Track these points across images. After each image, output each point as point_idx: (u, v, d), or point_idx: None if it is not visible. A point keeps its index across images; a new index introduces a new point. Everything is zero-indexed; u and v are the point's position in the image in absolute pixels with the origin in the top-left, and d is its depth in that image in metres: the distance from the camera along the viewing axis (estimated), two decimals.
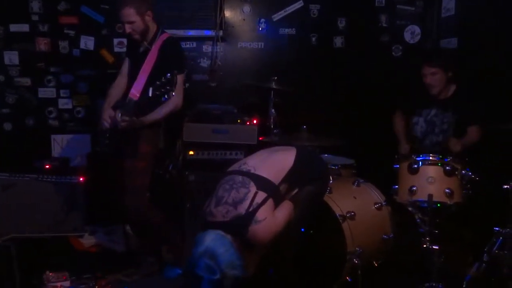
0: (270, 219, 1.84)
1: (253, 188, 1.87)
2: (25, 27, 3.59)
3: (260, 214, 1.82)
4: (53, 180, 2.94)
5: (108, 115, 2.52)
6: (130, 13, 2.48)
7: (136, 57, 2.66)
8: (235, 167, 2.07)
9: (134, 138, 2.56)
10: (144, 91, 2.39)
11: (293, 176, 2.02)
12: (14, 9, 3.56)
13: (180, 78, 2.42)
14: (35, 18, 3.60)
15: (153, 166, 2.70)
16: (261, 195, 1.86)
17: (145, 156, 2.60)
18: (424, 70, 2.86)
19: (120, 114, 2.38)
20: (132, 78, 2.60)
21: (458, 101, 2.86)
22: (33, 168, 3.19)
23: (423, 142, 3.00)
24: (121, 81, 2.75)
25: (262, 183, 1.90)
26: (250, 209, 1.82)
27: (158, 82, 2.20)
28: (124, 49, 3.26)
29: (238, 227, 1.80)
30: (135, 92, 2.45)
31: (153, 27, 2.62)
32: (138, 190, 2.57)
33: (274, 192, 1.92)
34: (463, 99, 2.87)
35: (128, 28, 2.52)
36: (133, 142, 2.56)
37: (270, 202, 1.87)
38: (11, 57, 3.62)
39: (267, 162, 2.05)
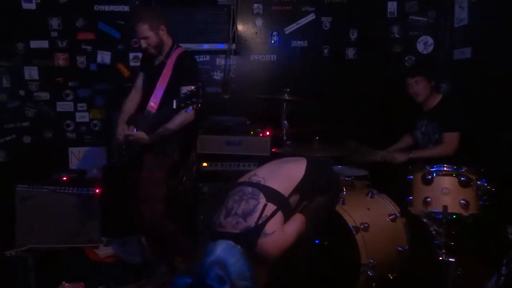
0: (279, 232, 1.84)
1: (262, 200, 1.88)
2: (44, 43, 3.71)
3: (269, 227, 1.82)
4: (70, 191, 3.00)
5: (122, 129, 2.58)
6: (144, 29, 2.56)
7: (152, 70, 2.71)
8: (245, 178, 2.08)
9: (149, 150, 2.60)
10: (162, 103, 2.46)
11: (303, 187, 2.02)
12: (34, 26, 3.68)
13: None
14: (54, 34, 3.72)
15: (167, 177, 2.74)
16: (271, 207, 1.86)
17: (161, 167, 2.64)
18: (408, 80, 3.06)
19: (135, 129, 2.44)
20: (148, 91, 2.65)
21: (441, 110, 2.99)
22: (51, 180, 3.26)
23: None
24: (135, 95, 2.82)
25: (271, 195, 1.90)
26: (259, 222, 1.82)
27: (182, 94, 2.27)
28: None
29: (248, 239, 1.80)
30: (153, 105, 2.52)
31: (168, 41, 2.68)
32: (153, 200, 2.60)
33: (284, 204, 1.92)
34: (445, 107, 2.99)
35: (143, 43, 2.60)
36: (148, 154, 2.60)
37: (279, 214, 1.87)
38: (31, 72, 3.74)
39: (277, 173, 2.05)
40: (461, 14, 3.50)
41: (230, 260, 1.70)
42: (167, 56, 2.65)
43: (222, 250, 1.73)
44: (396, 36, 3.80)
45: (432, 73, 3.09)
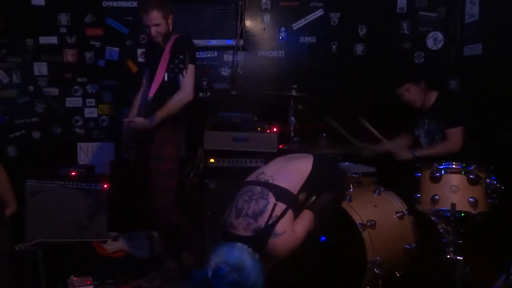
0: (290, 232, 1.84)
1: (272, 199, 1.88)
2: (53, 39, 3.73)
3: (280, 227, 1.82)
4: (78, 186, 3.02)
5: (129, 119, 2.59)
6: (156, 16, 2.56)
7: (154, 60, 2.70)
8: (253, 177, 2.08)
9: (158, 141, 2.61)
10: (160, 88, 2.49)
11: (311, 184, 2.01)
12: (43, 23, 3.71)
13: (191, 68, 2.49)
14: (63, 30, 3.73)
15: (178, 168, 2.74)
16: (281, 207, 1.86)
17: (170, 158, 2.65)
18: (398, 91, 3.06)
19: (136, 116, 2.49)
20: (151, 79, 2.64)
21: (440, 106, 2.95)
22: (59, 175, 3.29)
23: None
24: (144, 89, 2.82)
25: (281, 193, 1.90)
26: (270, 222, 1.82)
27: (171, 65, 2.32)
28: None
29: (259, 240, 1.81)
30: (152, 91, 2.52)
31: (172, 30, 2.69)
32: (165, 191, 2.62)
33: (293, 202, 1.91)
34: (443, 103, 2.96)
35: (153, 31, 2.59)
36: (157, 145, 2.62)
37: (289, 213, 1.87)
38: (40, 68, 3.76)
39: (284, 171, 2.05)
40: (472, 10, 3.46)
41: (247, 268, 1.70)
42: (165, 42, 2.64)
43: (241, 255, 1.73)
44: (406, 32, 3.76)
45: (417, 74, 3.05)
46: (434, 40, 3.76)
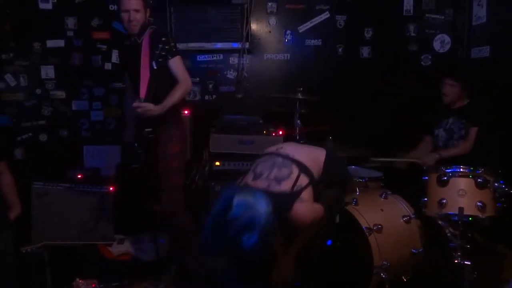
0: (312, 203, 1.80)
1: (296, 170, 1.82)
2: (60, 43, 3.76)
3: (305, 195, 1.76)
4: (84, 189, 3.03)
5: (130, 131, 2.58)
6: (137, 3, 2.52)
7: (132, 61, 2.61)
8: (272, 149, 2.00)
9: (163, 141, 2.60)
10: (149, 87, 2.42)
11: (321, 176, 1.95)
12: (51, 26, 3.73)
13: (177, 59, 2.53)
14: (70, 34, 3.76)
15: (186, 166, 2.73)
16: (304, 179, 1.80)
17: (177, 155, 2.64)
18: (445, 80, 3.02)
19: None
20: (135, 78, 2.57)
21: (471, 109, 2.96)
22: (66, 178, 3.30)
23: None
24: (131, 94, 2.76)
25: (303, 168, 1.84)
26: (295, 189, 1.76)
27: (156, 52, 2.33)
28: None
29: (284, 201, 1.70)
30: (142, 91, 2.46)
31: (147, 24, 2.64)
32: (175, 188, 2.61)
33: (313, 180, 1.85)
34: (474, 107, 2.96)
35: (132, 16, 2.51)
36: (163, 145, 2.60)
37: (310, 189, 1.81)
38: (48, 71, 3.79)
39: (303, 152, 1.98)
40: (480, 12, 3.43)
41: (264, 211, 1.50)
42: (140, 36, 2.58)
43: (260, 198, 1.53)
44: (412, 34, 3.74)
45: (468, 83, 3.00)
46: (441, 42, 3.74)
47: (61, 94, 3.82)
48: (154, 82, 2.42)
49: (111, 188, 3.08)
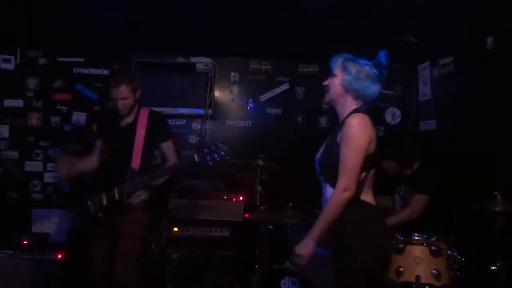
0: None
1: None
2: (19, 103, 3.70)
3: None
4: (29, 257, 2.84)
5: (104, 198, 2.56)
6: (125, 91, 2.63)
7: (119, 132, 2.74)
8: None
9: (128, 221, 2.62)
10: (143, 160, 2.66)
11: None
12: (10, 86, 3.68)
13: (170, 143, 2.80)
14: (30, 94, 3.72)
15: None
16: None
17: (138, 236, 2.71)
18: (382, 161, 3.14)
19: (116, 191, 2.55)
20: (123, 151, 2.67)
21: (416, 177, 3.04)
22: (10, 243, 3.08)
23: None
24: (92, 158, 2.80)
25: None
26: None
27: (154, 134, 2.68)
28: None
29: None
30: (136, 163, 2.64)
31: (135, 102, 2.77)
32: (127, 258, 2.57)
33: None
34: (421, 172, 3.05)
35: (120, 104, 2.64)
36: (127, 225, 2.62)
37: None
38: (2, 131, 3.68)
39: None
40: (425, 89, 3.73)
41: None
42: (136, 116, 2.73)
43: None
44: None
45: (402, 158, 3.09)
46: (392, 115, 4.01)
47: (13, 154, 3.69)
48: (147, 158, 2.71)
49: (59, 255, 2.90)
